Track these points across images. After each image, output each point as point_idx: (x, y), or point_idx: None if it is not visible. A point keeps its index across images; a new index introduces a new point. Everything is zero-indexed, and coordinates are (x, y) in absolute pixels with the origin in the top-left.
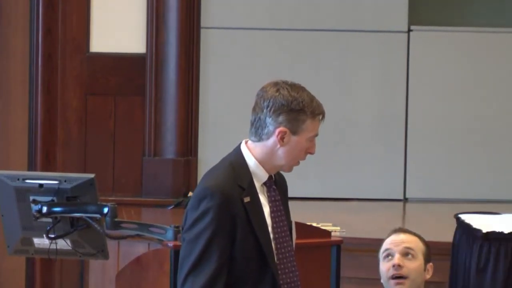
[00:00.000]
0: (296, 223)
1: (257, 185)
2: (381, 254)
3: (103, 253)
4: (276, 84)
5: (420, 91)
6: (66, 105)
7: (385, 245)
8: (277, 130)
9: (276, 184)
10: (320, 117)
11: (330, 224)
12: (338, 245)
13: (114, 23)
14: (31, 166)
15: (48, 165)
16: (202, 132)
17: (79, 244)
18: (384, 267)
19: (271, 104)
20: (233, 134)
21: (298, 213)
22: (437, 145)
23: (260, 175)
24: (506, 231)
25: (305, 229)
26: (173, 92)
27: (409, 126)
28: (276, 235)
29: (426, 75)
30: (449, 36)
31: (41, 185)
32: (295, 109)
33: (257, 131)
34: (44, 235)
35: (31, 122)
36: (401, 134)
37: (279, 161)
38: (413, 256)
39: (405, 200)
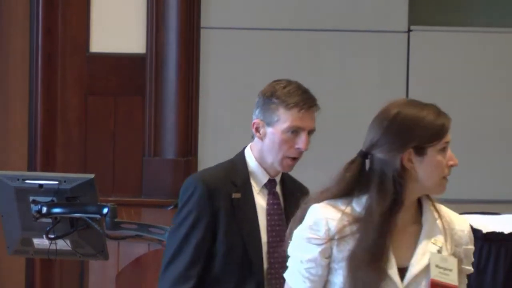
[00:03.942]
0: None
1: (256, 186)
2: None
3: (103, 254)
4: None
5: (420, 91)
6: (66, 105)
7: None
8: (253, 122)
9: (286, 190)
10: (297, 108)
11: None
12: None
13: (114, 23)
14: (31, 166)
15: (48, 165)
16: (202, 132)
17: (79, 244)
18: None
19: (256, 100)
20: (233, 134)
21: None
22: None
23: (259, 176)
24: (506, 232)
25: None
26: (173, 92)
27: None
28: (270, 239)
29: (426, 75)
30: (449, 36)
31: (41, 186)
32: (266, 99)
33: (251, 130)
34: (44, 236)
35: (31, 122)
36: None
37: (267, 158)
38: None
39: None
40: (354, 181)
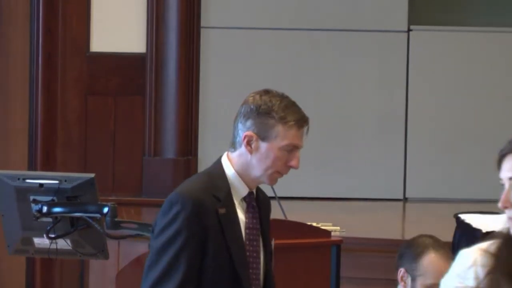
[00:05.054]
0: (297, 223)
1: (236, 199)
2: (423, 278)
3: (103, 253)
4: (256, 91)
5: (420, 91)
6: (66, 105)
7: (434, 275)
8: (244, 135)
9: (259, 203)
10: (296, 126)
11: (330, 224)
12: (338, 245)
13: (114, 23)
14: (31, 166)
15: (48, 165)
16: (202, 132)
17: (79, 244)
18: None
19: (242, 110)
20: None
21: (298, 213)
22: (437, 145)
23: (239, 189)
24: None
25: (305, 229)
26: (173, 92)
27: (409, 126)
28: (247, 253)
29: (426, 75)
30: (449, 36)
31: (41, 185)
32: (262, 113)
33: (233, 141)
34: (44, 235)
35: (31, 122)
36: (401, 134)
37: (254, 171)
38: None
39: (405, 200)
40: None
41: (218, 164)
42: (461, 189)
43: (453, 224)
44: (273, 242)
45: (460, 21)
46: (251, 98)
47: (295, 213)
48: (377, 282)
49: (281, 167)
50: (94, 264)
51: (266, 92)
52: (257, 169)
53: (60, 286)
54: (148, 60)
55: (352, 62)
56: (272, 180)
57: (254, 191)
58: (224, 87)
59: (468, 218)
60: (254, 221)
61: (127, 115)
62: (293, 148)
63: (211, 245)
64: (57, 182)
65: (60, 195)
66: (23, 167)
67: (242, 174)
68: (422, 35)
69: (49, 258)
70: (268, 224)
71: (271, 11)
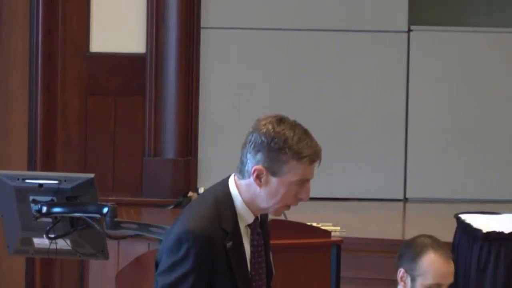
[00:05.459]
0: (297, 223)
1: (242, 226)
2: (422, 279)
3: (103, 253)
4: (267, 117)
5: (420, 91)
6: (66, 105)
7: (434, 275)
8: (253, 168)
9: (262, 227)
10: (309, 161)
11: (330, 224)
12: (338, 245)
13: (114, 23)
14: (31, 166)
15: (48, 165)
16: (202, 132)
17: (79, 244)
18: None
19: (253, 139)
20: (233, 134)
21: (298, 213)
22: (437, 145)
23: (246, 217)
24: (506, 231)
25: (305, 229)
26: (173, 92)
27: (409, 126)
28: (254, 284)
29: (426, 75)
30: (449, 36)
31: (41, 185)
32: (274, 147)
33: (241, 168)
34: (44, 235)
35: (31, 122)
36: (401, 134)
37: (262, 203)
38: None
39: (405, 200)
40: None
41: (225, 190)
42: (461, 189)
43: (454, 224)
44: (271, 258)
45: (460, 21)
46: (263, 127)
47: (295, 213)
48: (377, 282)
49: (290, 200)
50: (94, 264)
51: (279, 122)
52: (265, 202)
53: (60, 286)
54: (148, 60)
55: (352, 62)
56: (279, 213)
57: (259, 216)
58: (224, 87)
59: (468, 218)
60: (259, 249)
61: (127, 115)
62: (304, 182)
63: (218, 279)
64: (56, 182)
65: (60, 195)
66: (23, 167)
67: (249, 203)
68: (422, 35)
69: (49, 258)
70: (268, 244)
71: (271, 11)
